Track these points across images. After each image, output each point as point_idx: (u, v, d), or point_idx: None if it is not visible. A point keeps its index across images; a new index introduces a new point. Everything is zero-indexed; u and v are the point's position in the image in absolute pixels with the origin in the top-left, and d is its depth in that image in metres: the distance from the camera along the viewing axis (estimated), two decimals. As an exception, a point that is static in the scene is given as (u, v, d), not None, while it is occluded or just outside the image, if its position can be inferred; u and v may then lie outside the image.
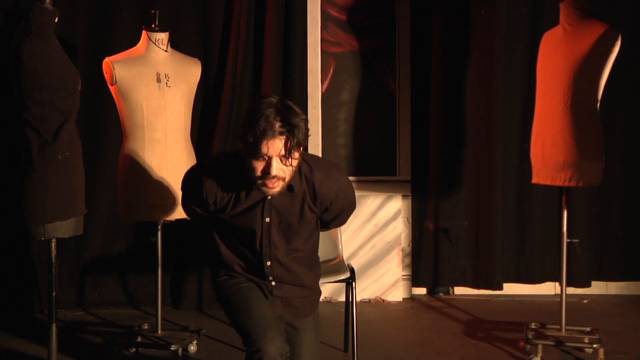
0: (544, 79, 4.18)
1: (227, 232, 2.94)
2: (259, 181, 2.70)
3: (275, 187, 2.71)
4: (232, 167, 2.82)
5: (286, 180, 2.73)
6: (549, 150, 4.09)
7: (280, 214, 2.86)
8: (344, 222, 3.09)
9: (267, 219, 2.86)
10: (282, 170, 2.69)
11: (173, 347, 4.09)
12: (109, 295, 5.08)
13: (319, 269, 3.11)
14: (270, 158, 2.65)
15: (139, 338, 4.27)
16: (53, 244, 3.60)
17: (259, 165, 2.68)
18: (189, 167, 4.07)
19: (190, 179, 2.95)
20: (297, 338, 3.02)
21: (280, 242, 2.90)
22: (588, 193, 5.15)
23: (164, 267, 4.31)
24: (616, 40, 3.93)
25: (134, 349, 4.21)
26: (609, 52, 3.94)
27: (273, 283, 2.96)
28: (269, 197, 2.81)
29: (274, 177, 2.68)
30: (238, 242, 2.93)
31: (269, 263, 2.91)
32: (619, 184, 5.24)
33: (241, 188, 2.82)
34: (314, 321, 3.08)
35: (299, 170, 2.80)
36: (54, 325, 3.61)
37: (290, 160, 2.66)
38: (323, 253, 4.37)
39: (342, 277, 4.04)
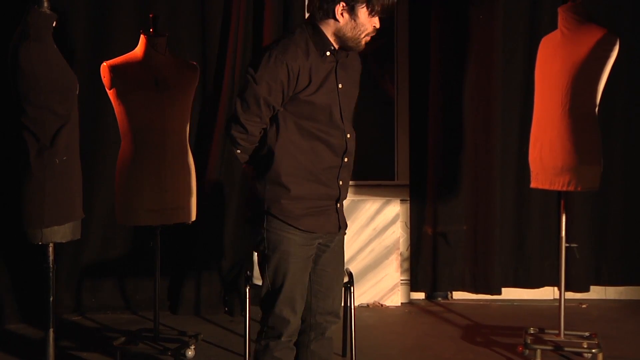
0: (542, 83, 4.19)
1: (305, 121, 2.91)
2: (367, 37, 2.93)
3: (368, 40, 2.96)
4: (302, 42, 2.90)
5: None
6: (547, 154, 4.10)
7: (345, 80, 2.99)
8: None
9: (340, 85, 2.97)
10: None
11: (170, 353, 4.08)
12: (107, 300, 5.08)
13: None
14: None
15: (137, 343, 4.27)
16: (50, 249, 3.60)
17: (374, 22, 2.90)
18: (186, 172, 4.14)
19: (273, 60, 2.84)
20: (329, 256, 3.08)
21: (346, 110, 3.00)
22: (586, 197, 5.16)
23: (162, 271, 4.31)
24: (614, 44, 3.94)
25: (131, 354, 4.21)
26: (607, 56, 3.94)
27: (340, 182, 3.00)
28: (338, 64, 2.94)
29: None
30: (324, 128, 2.93)
31: (349, 135, 2.99)
32: (617, 189, 5.25)
33: (312, 61, 2.90)
34: (341, 245, 3.15)
35: None
36: (51, 330, 3.60)
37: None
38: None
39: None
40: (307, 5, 2.95)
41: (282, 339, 2.97)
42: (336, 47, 2.93)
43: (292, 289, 2.95)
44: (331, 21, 2.90)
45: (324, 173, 2.95)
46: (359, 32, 2.91)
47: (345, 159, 2.99)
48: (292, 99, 2.88)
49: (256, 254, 3.04)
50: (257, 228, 2.96)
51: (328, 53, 2.92)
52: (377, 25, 2.93)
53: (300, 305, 2.99)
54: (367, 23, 2.89)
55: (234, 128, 2.91)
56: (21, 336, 4.67)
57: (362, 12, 2.87)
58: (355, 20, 2.88)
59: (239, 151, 2.97)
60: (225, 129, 2.98)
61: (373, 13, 2.88)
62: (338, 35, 2.91)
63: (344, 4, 2.86)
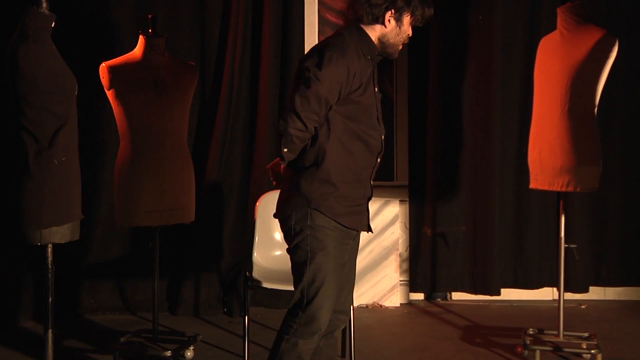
0: (541, 84, 4.19)
1: (350, 122, 2.98)
2: (402, 44, 3.08)
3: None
4: (355, 45, 2.98)
5: None
6: (546, 155, 4.10)
7: (377, 83, 3.09)
8: None
9: (376, 88, 3.05)
10: None
11: (169, 353, 4.09)
12: (106, 300, 5.08)
13: None
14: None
15: (136, 344, 4.27)
16: (49, 250, 3.60)
17: (410, 30, 3.06)
18: (185, 172, 4.15)
19: (335, 61, 2.89)
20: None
21: (380, 112, 3.11)
22: (586, 198, 5.17)
23: (161, 272, 4.31)
24: (613, 45, 3.94)
25: (129, 355, 4.21)
26: (606, 57, 3.94)
27: (371, 182, 3.10)
28: (374, 68, 3.06)
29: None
30: (365, 128, 3.00)
31: (383, 137, 3.09)
32: (616, 189, 5.25)
33: (362, 64, 2.98)
34: (358, 245, 3.24)
35: None
36: (50, 331, 3.60)
37: None
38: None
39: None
40: (349, 8, 3.01)
41: (315, 337, 3.00)
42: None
43: (332, 287, 3.00)
44: (378, 26, 3.01)
45: (362, 173, 3.05)
46: (400, 39, 3.06)
47: (378, 160, 3.10)
48: (343, 100, 2.94)
49: (293, 252, 3.03)
50: (297, 226, 2.97)
51: (370, 57, 3.02)
52: (411, 34, 3.08)
53: (333, 305, 3.04)
54: (407, 31, 3.06)
55: (293, 125, 2.89)
56: (34, 335, 4.68)
57: (407, 20, 3.02)
58: (400, 28, 3.03)
59: (286, 150, 2.94)
60: (281, 127, 2.92)
61: (414, 22, 3.05)
62: (382, 40, 3.03)
63: (393, 11, 2.98)
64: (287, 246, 3.09)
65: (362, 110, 3.00)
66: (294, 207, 2.98)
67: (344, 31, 3.03)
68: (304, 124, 2.89)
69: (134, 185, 4.01)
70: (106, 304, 5.08)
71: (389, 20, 3.00)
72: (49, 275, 3.61)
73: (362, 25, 3.01)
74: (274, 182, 3.22)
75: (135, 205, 4.02)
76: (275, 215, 3.10)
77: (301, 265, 2.99)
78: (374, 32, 3.02)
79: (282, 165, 3.12)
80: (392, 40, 3.04)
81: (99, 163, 4.93)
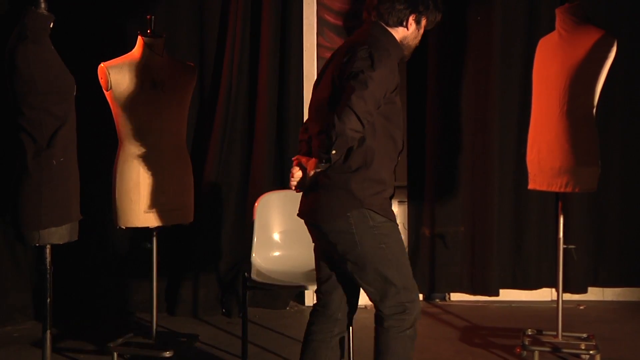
0: (540, 84, 4.20)
1: (386, 121, 3.03)
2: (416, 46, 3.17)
3: None
4: (389, 45, 3.06)
5: None
6: (545, 156, 4.11)
7: None
8: None
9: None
10: None
11: (168, 354, 4.09)
12: (104, 301, 5.09)
13: None
14: None
15: (134, 345, 4.28)
16: (48, 250, 3.61)
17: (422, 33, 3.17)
18: (184, 173, 4.15)
19: (384, 62, 2.95)
20: None
21: None
22: (584, 199, 5.17)
23: (159, 273, 4.32)
24: (612, 46, 3.95)
25: (128, 356, 4.22)
26: (605, 57, 3.95)
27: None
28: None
29: None
30: (394, 128, 3.08)
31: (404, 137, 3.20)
32: (615, 190, 5.25)
33: (396, 63, 3.07)
34: None
35: None
36: (48, 332, 3.61)
37: None
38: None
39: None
40: (372, 9, 3.09)
41: (412, 318, 3.10)
42: None
43: (410, 271, 3.14)
44: (400, 29, 3.09)
45: (392, 171, 3.15)
46: (416, 42, 3.16)
47: (399, 158, 3.18)
48: (385, 100, 3.00)
49: (363, 255, 3.05)
50: (358, 228, 3.01)
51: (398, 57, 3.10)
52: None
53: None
54: (421, 34, 3.16)
55: (352, 125, 2.87)
56: (32, 335, 4.68)
57: (423, 23, 3.12)
58: (418, 30, 3.13)
59: (334, 152, 2.91)
60: (338, 129, 2.86)
61: (428, 26, 3.16)
62: (402, 42, 3.11)
63: (415, 15, 3.07)
64: (326, 249, 3.12)
65: (395, 110, 3.07)
66: (345, 209, 3.00)
67: (373, 32, 3.06)
68: (362, 125, 2.90)
69: (132, 186, 4.02)
70: (104, 305, 5.08)
71: (411, 24, 3.08)
72: (48, 276, 3.62)
73: (387, 28, 3.08)
74: (295, 188, 3.13)
75: (134, 206, 4.03)
76: (314, 220, 3.07)
77: (380, 264, 3.04)
78: (397, 34, 3.09)
79: (311, 170, 3.04)
80: (410, 43, 3.13)
81: (98, 164, 4.92)
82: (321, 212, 3.03)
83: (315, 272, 3.28)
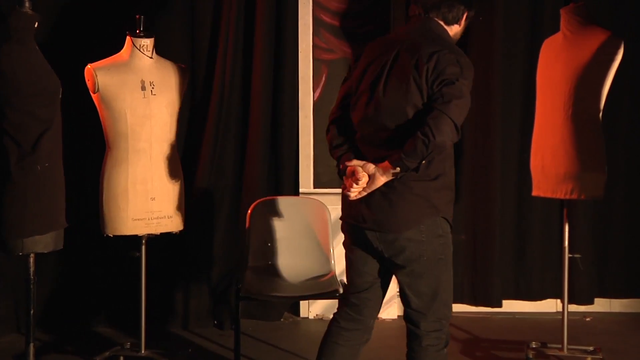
0: (544, 87, 4.18)
1: None
2: None
3: None
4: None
5: None
6: (549, 161, 4.08)
7: None
8: None
9: None
10: None
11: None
12: (90, 312, 5.04)
13: None
14: None
15: (121, 358, 4.24)
16: (32, 259, 3.57)
17: None
18: (174, 179, 4.12)
19: (469, 64, 2.99)
20: None
21: None
22: (590, 206, 5.15)
23: (148, 283, 4.28)
24: (618, 48, 3.94)
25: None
26: (611, 60, 3.94)
27: None
28: None
29: None
30: None
31: None
32: (621, 197, 5.24)
33: None
34: None
35: None
36: (31, 345, 3.57)
37: None
38: (314, 268, 4.35)
39: (335, 294, 4.02)
40: (431, 8, 3.09)
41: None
42: None
43: None
44: (455, 26, 3.14)
45: None
46: (457, 38, 3.20)
47: None
48: None
49: (426, 264, 3.02)
50: (427, 236, 2.97)
51: None
52: None
53: None
54: None
55: (452, 136, 2.85)
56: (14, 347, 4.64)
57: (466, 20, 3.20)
58: (462, 28, 3.19)
59: (424, 162, 2.88)
60: (438, 140, 2.82)
61: (467, 22, 3.22)
62: (453, 39, 3.15)
63: (468, 11, 3.15)
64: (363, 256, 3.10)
65: None
66: (422, 217, 2.98)
67: (437, 31, 3.07)
68: (459, 134, 2.90)
69: (121, 193, 4.00)
70: (91, 316, 5.04)
71: (463, 20, 3.15)
72: (31, 287, 3.58)
73: (445, 26, 3.11)
74: (351, 192, 2.99)
75: (122, 213, 4.00)
76: (382, 227, 3.00)
77: (436, 276, 3.02)
78: (451, 32, 3.13)
79: (384, 177, 2.93)
80: (457, 39, 3.18)
81: (84, 169, 4.89)
82: (395, 219, 2.97)
83: (349, 278, 3.21)
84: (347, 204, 3.07)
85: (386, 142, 2.95)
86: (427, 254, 2.98)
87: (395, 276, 3.10)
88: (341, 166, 3.04)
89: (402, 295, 3.08)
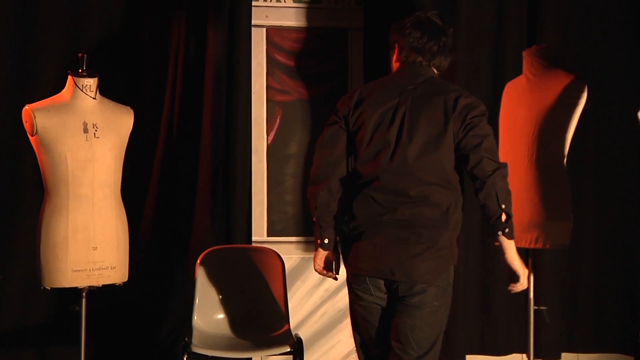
0: (507, 131, 4.25)
1: None
2: None
3: None
4: None
5: None
6: (513, 209, 4.13)
7: None
8: None
9: None
10: None
11: None
12: (26, 371, 4.97)
13: None
14: None
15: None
16: (-39, 314, 3.52)
17: None
18: (118, 227, 4.09)
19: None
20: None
21: None
22: (556, 256, 5.19)
23: (89, 339, 4.23)
24: (582, 91, 4.02)
25: None
26: (576, 104, 4.02)
27: None
28: None
29: None
30: None
31: None
32: (589, 247, 5.28)
33: None
34: None
35: None
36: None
37: None
38: (267, 322, 4.34)
39: (288, 349, 4.01)
40: (427, 55, 3.46)
41: None
42: None
43: None
44: (436, 72, 3.47)
45: None
46: None
47: None
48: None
49: (435, 310, 3.24)
50: (446, 283, 3.27)
51: None
52: None
53: None
54: None
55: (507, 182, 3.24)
56: None
57: None
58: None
59: (504, 206, 3.23)
60: (503, 185, 3.23)
61: None
62: None
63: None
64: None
65: None
66: (447, 266, 3.27)
67: (436, 77, 3.43)
68: None
69: (60, 241, 3.96)
70: (26, 377, 4.96)
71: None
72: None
73: (435, 71, 3.45)
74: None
75: (61, 264, 3.96)
76: (415, 281, 3.19)
77: (440, 322, 3.27)
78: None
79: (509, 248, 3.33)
80: None
81: (20, 217, 4.84)
82: (426, 273, 3.19)
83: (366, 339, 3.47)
84: (363, 254, 3.26)
85: (410, 188, 3.22)
86: (441, 302, 3.21)
87: (398, 320, 3.22)
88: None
89: (398, 343, 3.22)
